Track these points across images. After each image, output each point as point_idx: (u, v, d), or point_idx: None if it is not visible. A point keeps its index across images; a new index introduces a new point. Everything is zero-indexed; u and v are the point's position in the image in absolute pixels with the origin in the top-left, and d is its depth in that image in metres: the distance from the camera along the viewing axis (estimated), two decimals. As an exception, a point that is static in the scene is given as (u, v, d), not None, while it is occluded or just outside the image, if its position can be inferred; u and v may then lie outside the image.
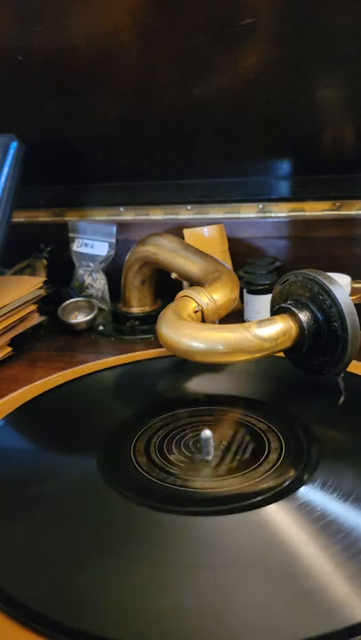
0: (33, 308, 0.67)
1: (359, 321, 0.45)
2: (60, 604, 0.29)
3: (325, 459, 0.39)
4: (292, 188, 0.77)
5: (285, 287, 0.50)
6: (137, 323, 0.70)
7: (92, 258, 0.81)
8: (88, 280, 0.80)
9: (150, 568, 0.31)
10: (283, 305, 0.48)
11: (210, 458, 0.41)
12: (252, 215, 0.78)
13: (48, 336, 0.71)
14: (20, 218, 0.86)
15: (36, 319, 0.68)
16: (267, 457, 0.41)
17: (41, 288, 0.69)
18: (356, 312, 0.45)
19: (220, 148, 0.76)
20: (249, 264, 0.73)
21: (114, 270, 0.79)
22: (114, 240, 0.80)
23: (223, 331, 0.45)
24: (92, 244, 0.81)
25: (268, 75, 0.65)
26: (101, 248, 0.81)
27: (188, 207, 0.80)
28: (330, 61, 0.63)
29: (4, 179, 0.68)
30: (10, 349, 0.64)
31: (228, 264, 0.75)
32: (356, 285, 0.65)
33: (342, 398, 0.47)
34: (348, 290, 0.63)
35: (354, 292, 0.64)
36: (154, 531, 0.34)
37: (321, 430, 0.43)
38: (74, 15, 0.62)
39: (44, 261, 0.80)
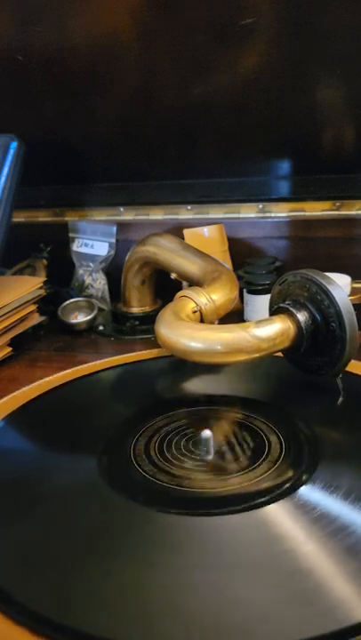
0: (33, 307, 0.67)
1: (358, 321, 0.45)
2: (60, 604, 0.29)
3: (325, 459, 0.40)
4: (292, 188, 0.77)
5: (284, 287, 0.50)
6: (137, 323, 0.70)
7: (92, 258, 0.81)
8: (88, 280, 0.81)
9: (150, 568, 0.31)
10: (281, 305, 0.48)
11: (210, 458, 0.41)
12: (252, 215, 0.78)
13: (48, 336, 0.71)
14: (20, 218, 0.86)
15: (36, 319, 0.68)
16: (267, 457, 0.41)
17: (41, 288, 0.69)
18: (354, 312, 0.45)
19: (220, 148, 0.76)
20: (249, 264, 0.73)
21: (114, 270, 0.79)
22: (114, 240, 0.80)
23: (221, 331, 0.45)
24: (92, 243, 0.81)
25: (268, 75, 0.65)
26: (101, 248, 0.81)
27: (188, 207, 0.80)
28: (330, 61, 0.63)
29: (3, 179, 0.68)
30: (10, 349, 0.64)
31: (228, 264, 0.75)
32: (355, 285, 0.65)
33: (341, 398, 0.47)
34: (348, 290, 0.63)
35: (354, 292, 0.64)
36: (154, 531, 0.34)
37: (321, 430, 0.43)
38: (74, 15, 0.62)
39: (44, 261, 0.80)
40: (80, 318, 0.73)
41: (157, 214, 0.81)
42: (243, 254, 0.77)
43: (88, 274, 0.81)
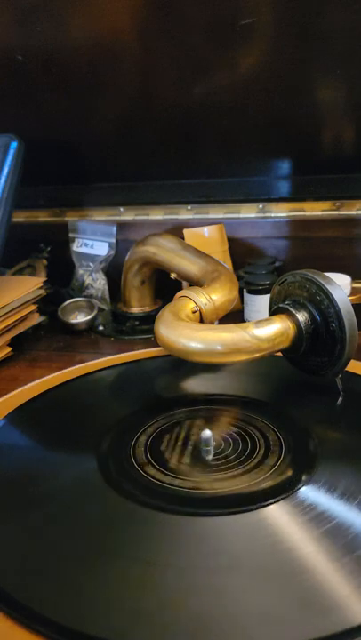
0: (33, 308, 0.67)
1: (357, 321, 0.45)
2: (60, 605, 0.29)
3: (325, 459, 0.40)
4: (292, 188, 0.77)
5: (283, 287, 0.50)
6: (137, 323, 0.70)
7: (92, 258, 0.81)
8: (88, 280, 0.81)
9: (150, 568, 0.31)
10: (280, 305, 0.48)
11: (210, 458, 0.41)
12: (252, 215, 0.78)
13: (48, 336, 0.71)
14: (19, 218, 0.86)
15: (36, 319, 0.68)
16: (267, 457, 0.41)
17: (41, 288, 0.69)
18: (353, 312, 0.45)
19: (221, 148, 0.76)
20: (249, 264, 0.73)
21: (114, 270, 0.79)
22: (114, 240, 0.80)
23: (220, 331, 0.45)
24: (92, 243, 0.81)
25: (268, 75, 0.65)
26: (101, 248, 0.81)
27: (188, 207, 0.80)
28: (330, 61, 0.63)
29: (4, 178, 0.68)
30: (10, 349, 0.64)
31: (228, 264, 0.75)
32: (355, 285, 0.65)
33: (341, 399, 0.47)
34: (348, 290, 0.63)
35: (354, 292, 0.64)
36: (154, 531, 0.34)
37: (321, 430, 0.43)
38: (74, 15, 0.62)
39: (44, 261, 0.80)
40: (80, 318, 0.73)
41: (157, 214, 0.81)
42: (243, 254, 0.77)
43: (88, 274, 0.81)
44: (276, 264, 0.74)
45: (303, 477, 0.38)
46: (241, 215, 0.78)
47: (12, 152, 0.69)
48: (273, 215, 0.77)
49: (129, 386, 0.54)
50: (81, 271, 0.81)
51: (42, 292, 0.69)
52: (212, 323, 0.54)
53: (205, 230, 0.75)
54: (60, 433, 0.46)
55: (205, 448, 0.41)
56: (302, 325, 0.46)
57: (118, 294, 0.75)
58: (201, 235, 0.75)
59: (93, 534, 0.34)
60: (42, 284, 0.69)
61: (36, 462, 0.42)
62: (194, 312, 0.52)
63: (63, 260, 0.82)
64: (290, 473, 0.38)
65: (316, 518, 0.33)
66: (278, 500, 0.35)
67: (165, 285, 0.68)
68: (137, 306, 0.72)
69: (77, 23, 0.63)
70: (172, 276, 0.64)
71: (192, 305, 0.52)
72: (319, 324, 0.46)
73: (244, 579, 0.30)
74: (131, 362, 0.58)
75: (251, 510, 0.35)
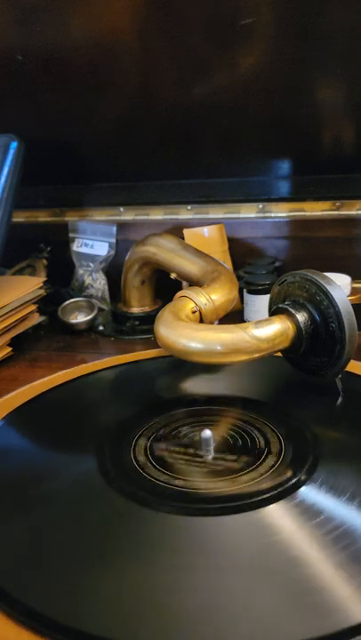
0: (33, 307, 0.67)
1: (357, 321, 0.45)
2: (60, 604, 0.29)
3: (325, 459, 0.40)
4: (292, 188, 0.77)
5: (283, 288, 0.50)
6: (137, 323, 0.71)
7: (92, 258, 0.81)
8: (88, 280, 0.81)
9: (150, 568, 0.31)
10: (280, 305, 0.48)
11: (210, 458, 0.41)
12: (252, 215, 0.78)
13: (48, 336, 0.71)
14: (19, 218, 0.86)
15: (36, 319, 0.68)
16: (267, 457, 0.41)
17: (41, 288, 0.69)
18: (353, 313, 0.45)
19: (221, 148, 0.76)
20: (249, 264, 0.73)
21: (114, 270, 0.79)
22: (114, 240, 0.80)
23: (220, 331, 0.45)
24: (92, 243, 0.81)
25: (268, 75, 0.65)
26: (101, 248, 0.81)
27: (188, 207, 0.80)
28: (330, 61, 0.63)
29: (4, 178, 0.68)
30: (10, 349, 0.64)
31: (228, 264, 0.75)
32: (355, 285, 0.65)
33: (340, 399, 0.47)
34: (348, 290, 0.64)
35: (354, 292, 0.64)
36: (154, 531, 0.34)
37: (321, 430, 0.43)
38: (74, 15, 0.62)
39: (44, 261, 0.80)
40: (80, 318, 0.73)
41: (157, 214, 0.81)
42: (243, 254, 0.77)
43: (88, 274, 0.81)
44: (276, 264, 0.74)
45: (303, 477, 0.38)
46: (241, 215, 0.78)
47: (12, 152, 0.69)
48: (273, 215, 0.77)
49: (129, 386, 0.54)
50: (81, 271, 0.81)
51: (42, 292, 0.69)
52: (211, 323, 0.54)
53: (205, 230, 0.75)
54: (60, 433, 0.46)
55: (205, 448, 0.42)
56: (302, 326, 0.46)
57: (118, 294, 0.75)
58: (201, 235, 0.75)
59: (93, 534, 0.34)
60: (42, 284, 0.69)
61: (36, 463, 0.42)
62: (194, 312, 0.52)
63: (63, 259, 0.82)
64: (289, 473, 0.38)
65: (316, 518, 0.34)
66: (278, 500, 0.35)
67: (165, 285, 0.68)
68: (137, 306, 0.72)
69: (77, 23, 0.63)
70: (172, 276, 0.64)
71: (192, 305, 0.52)
72: (319, 324, 0.46)
73: (243, 579, 0.30)
74: (131, 362, 0.58)
75: (250, 510, 0.35)
